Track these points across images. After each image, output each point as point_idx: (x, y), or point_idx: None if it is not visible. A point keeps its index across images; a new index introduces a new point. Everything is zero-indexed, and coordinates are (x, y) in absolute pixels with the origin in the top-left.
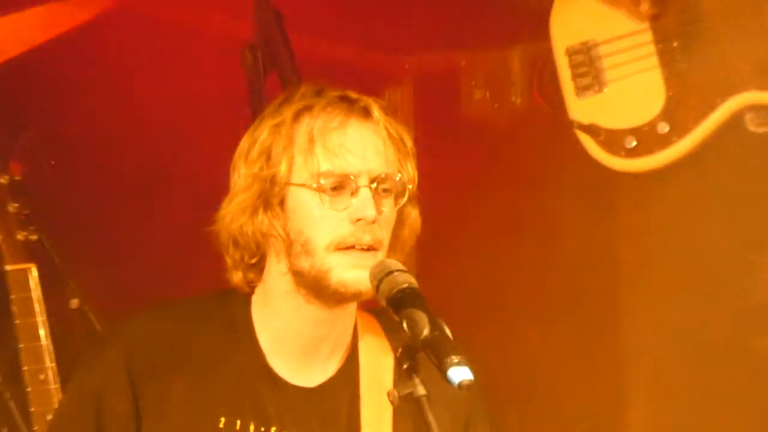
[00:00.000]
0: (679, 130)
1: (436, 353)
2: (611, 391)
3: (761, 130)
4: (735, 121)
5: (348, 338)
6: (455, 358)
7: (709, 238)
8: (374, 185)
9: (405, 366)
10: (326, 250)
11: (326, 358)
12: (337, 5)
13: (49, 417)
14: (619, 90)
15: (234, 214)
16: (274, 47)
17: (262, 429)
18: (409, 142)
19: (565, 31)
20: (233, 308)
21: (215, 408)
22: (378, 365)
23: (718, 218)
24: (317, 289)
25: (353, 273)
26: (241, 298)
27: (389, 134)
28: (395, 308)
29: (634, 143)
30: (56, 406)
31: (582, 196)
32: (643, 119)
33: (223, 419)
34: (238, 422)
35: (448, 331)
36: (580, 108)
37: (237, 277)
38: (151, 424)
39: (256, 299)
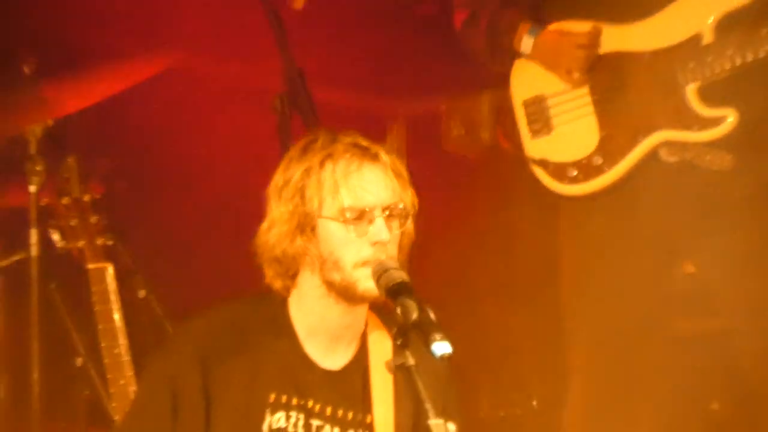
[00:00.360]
0: (609, 161)
1: (423, 332)
2: (555, 362)
3: (672, 159)
4: (652, 153)
5: (362, 328)
6: (437, 336)
7: (632, 245)
8: (386, 213)
9: (398, 342)
10: (353, 268)
11: (347, 345)
12: (348, 65)
13: (122, 382)
14: (563, 132)
15: (277, 240)
16: (298, 97)
17: (302, 402)
18: (406, 175)
19: (521, 87)
20: (274, 308)
21: (266, 386)
22: (381, 350)
23: (638, 229)
24: (346, 294)
25: (372, 283)
26: (279, 300)
27: (393, 172)
28: (391, 297)
29: (575, 173)
30: (128, 374)
31: (534, 212)
32: (582, 154)
33: (272, 395)
34: (284, 397)
35: (432, 315)
36: (533, 147)
37: (278, 284)
38: (217, 402)
39: (291, 300)
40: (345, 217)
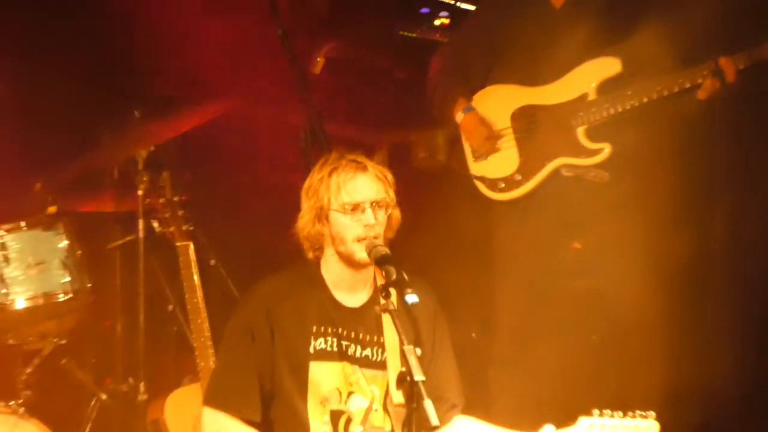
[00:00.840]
0: (526, 178)
1: (399, 288)
2: (489, 308)
3: (568, 175)
4: (555, 171)
5: (370, 281)
6: (408, 291)
7: (539, 231)
8: (373, 205)
9: (383, 294)
10: (352, 242)
11: (362, 291)
12: (350, 109)
13: (199, 321)
14: (495, 158)
15: (304, 225)
16: (316, 131)
17: (335, 330)
18: (390, 177)
19: None
20: (310, 269)
21: (310, 321)
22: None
23: (544, 221)
24: (349, 261)
25: (365, 254)
26: (314, 265)
27: (377, 177)
28: (378, 264)
29: (503, 185)
30: (202, 316)
31: (476, 210)
32: (507, 173)
33: (314, 327)
34: (322, 327)
35: (405, 276)
36: (475, 167)
37: (311, 254)
38: (278, 334)
39: (321, 264)
40: (345, 209)
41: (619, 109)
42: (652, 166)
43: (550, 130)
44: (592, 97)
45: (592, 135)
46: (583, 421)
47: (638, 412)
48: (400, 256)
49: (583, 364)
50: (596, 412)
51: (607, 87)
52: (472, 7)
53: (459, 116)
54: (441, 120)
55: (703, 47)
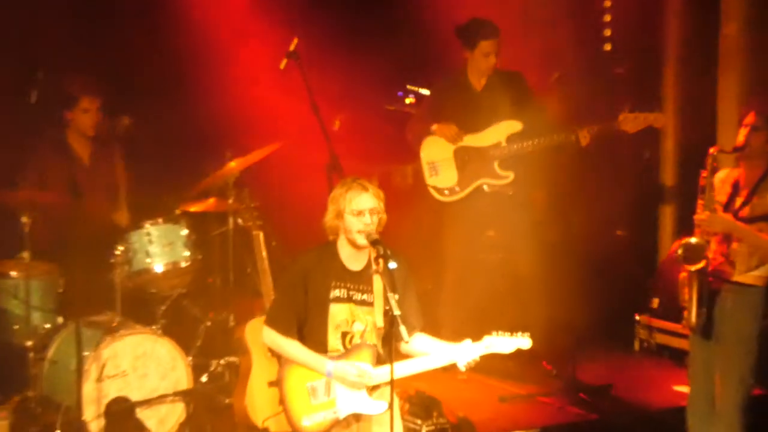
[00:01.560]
0: (462, 189)
1: (384, 259)
2: (438, 270)
3: (488, 190)
4: (480, 187)
5: (367, 255)
6: (390, 260)
7: (468, 223)
8: (370, 212)
9: (375, 262)
10: (356, 233)
11: (361, 261)
12: (353, 150)
13: (267, 281)
14: (443, 176)
15: (328, 220)
16: (335, 164)
17: (344, 284)
18: (381, 195)
19: (426, 155)
20: (330, 248)
21: (330, 279)
22: (376, 264)
23: (472, 217)
24: (353, 243)
25: (364, 240)
26: (332, 245)
27: (374, 195)
28: (372, 245)
29: (447, 193)
30: (268, 280)
31: (432, 210)
32: (450, 185)
33: (333, 282)
34: (337, 283)
35: (389, 252)
36: (430, 180)
37: (331, 238)
38: (311, 288)
39: (338, 244)
40: (353, 213)
41: (520, 152)
42: (536, 185)
43: (477, 162)
44: (503, 144)
45: (503, 166)
46: (486, 338)
47: (519, 333)
48: (385, 240)
49: (494, 305)
50: (495, 333)
51: (512, 138)
52: (427, 92)
53: (426, 140)
54: (416, 152)
55: (574, 120)
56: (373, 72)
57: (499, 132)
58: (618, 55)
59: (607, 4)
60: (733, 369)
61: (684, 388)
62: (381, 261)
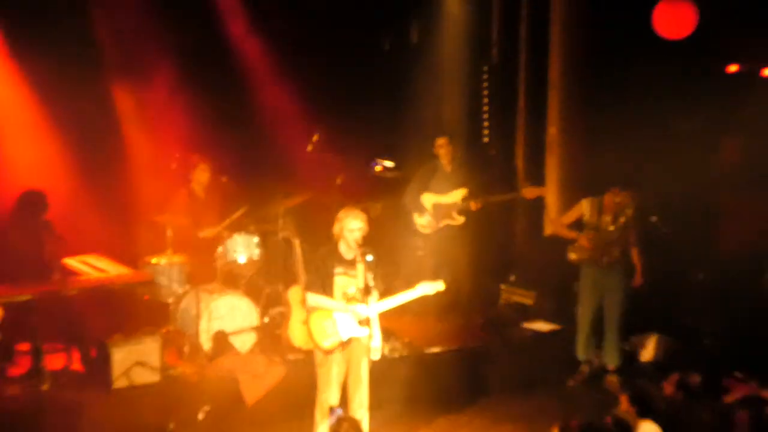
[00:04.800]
0: (432, 228)
1: (365, 253)
2: (398, 263)
3: (451, 225)
4: (446, 224)
5: (356, 250)
6: (368, 255)
7: (431, 244)
8: (360, 229)
9: (360, 254)
10: (351, 240)
11: (354, 253)
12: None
13: (300, 263)
14: (425, 219)
15: (335, 230)
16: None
17: (343, 268)
18: (366, 219)
19: (417, 212)
20: (335, 246)
21: (334, 263)
22: (363, 254)
23: (435, 240)
24: (348, 245)
25: (354, 244)
26: (336, 243)
27: (362, 219)
28: (358, 247)
29: (425, 226)
30: (302, 264)
31: (406, 235)
32: (425, 224)
33: (336, 264)
34: (339, 266)
35: (367, 251)
36: (418, 221)
37: (337, 238)
38: (323, 268)
39: (339, 243)
40: (350, 230)
41: (466, 206)
42: (468, 225)
43: (444, 212)
44: (459, 203)
45: (460, 214)
46: (418, 285)
47: (438, 281)
48: (368, 243)
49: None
50: (423, 281)
51: (464, 199)
52: (391, 164)
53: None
54: (408, 210)
55: (448, 189)
56: (362, 138)
57: (457, 196)
58: (492, 143)
59: (486, 102)
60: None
61: (530, 325)
62: (364, 254)
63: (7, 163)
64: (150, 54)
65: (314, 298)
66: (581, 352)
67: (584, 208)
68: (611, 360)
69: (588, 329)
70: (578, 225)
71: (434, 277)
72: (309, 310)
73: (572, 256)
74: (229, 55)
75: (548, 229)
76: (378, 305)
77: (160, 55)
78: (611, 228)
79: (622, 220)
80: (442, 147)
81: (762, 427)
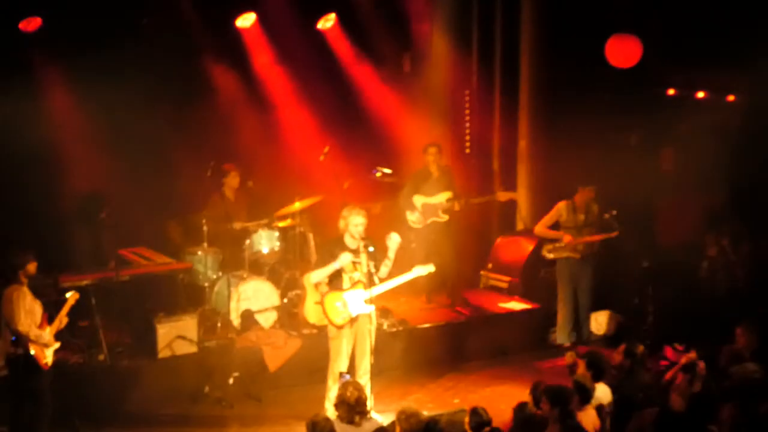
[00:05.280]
0: (421, 223)
1: (367, 244)
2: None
3: (438, 221)
4: (433, 221)
5: (360, 241)
6: (369, 245)
7: (421, 238)
8: (362, 224)
9: (363, 245)
10: (355, 234)
11: (355, 243)
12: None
13: (313, 251)
14: (414, 216)
15: (340, 226)
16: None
17: (350, 255)
18: (366, 215)
19: (408, 210)
20: (341, 238)
21: (341, 252)
22: (365, 245)
23: (427, 233)
24: (351, 237)
25: (357, 237)
26: (342, 236)
27: (364, 215)
28: (360, 240)
29: (416, 222)
30: (314, 252)
31: (403, 230)
32: (416, 221)
33: (343, 252)
34: (344, 252)
35: (368, 242)
36: (409, 217)
37: (342, 232)
38: (330, 255)
39: (345, 236)
40: (354, 226)
41: (450, 206)
42: (451, 222)
43: (431, 210)
44: (443, 203)
45: (445, 212)
46: (414, 268)
47: (429, 265)
48: (369, 236)
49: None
50: (417, 265)
51: (448, 200)
52: (389, 170)
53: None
54: (403, 210)
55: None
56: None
57: (443, 197)
58: (472, 154)
59: (467, 119)
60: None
61: (504, 304)
62: (366, 245)
63: (72, 169)
64: (194, 83)
65: (318, 272)
66: (565, 338)
67: (561, 209)
68: (579, 336)
69: (570, 316)
70: (555, 226)
71: (425, 263)
72: (323, 293)
73: (549, 255)
74: (255, 80)
75: (536, 230)
76: (380, 286)
77: (202, 84)
78: (584, 223)
79: (592, 214)
80: (432, 155)
81: (693, 386)
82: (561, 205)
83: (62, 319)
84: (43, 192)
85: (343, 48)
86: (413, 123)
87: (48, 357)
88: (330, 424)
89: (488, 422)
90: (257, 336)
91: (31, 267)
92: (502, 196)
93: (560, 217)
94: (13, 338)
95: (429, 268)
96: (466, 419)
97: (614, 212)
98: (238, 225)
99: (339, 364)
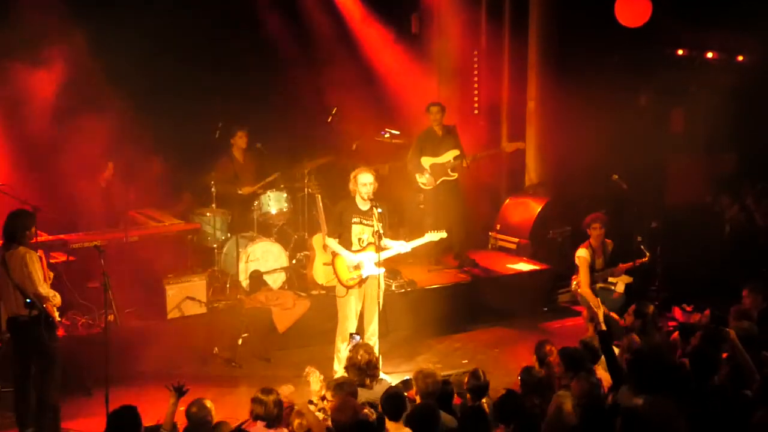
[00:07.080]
0: (431, 184)
1: (375, 206)
2: (402, 215)
3: (447, 180)
4: (443, 180)
5: (369, 202)
6: (378, 207)
7: (429, 200)
8: (371, 184)
9: (373, 206)
10: (364, 194)
11: (366, 205)
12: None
13: (322, 215)
14: (424, 178)
15: (351, 187)
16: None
17: (359, 216)
18: (375, 174)
19: (418, 173)
20: (352, 199)
21: (351, 213)
22: (375, 207)
23: (435, 193)
24: (362, 198)
25: (366, 197)
26: (353, 196)
27: (373, 174)
28: (370, 200)
29: (426, 183)
30: (323, 216)
31: (409, 191)
32: (425, 182)
33: (353, 215)
34: (356, 216)
35: (377, 203)
36: (419, 179)
37: (353, 194)
38: (343, 217)
39: (356, 197)
40: (363, 185)
41: (458, 165)
42: (461, 181)
43: (440, 170)
44: (451, 161)
45: (453, 171)
46: (426, 234)
47: (441, 231)
48: (378, 198)
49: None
50: (430, 231)
51: (456, 158)
52: (397, 132)
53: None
54: (411, 173)
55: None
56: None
57: (450, 156)
58: (481, 114)
59: (476, 80)
60: None
61: (512, 265)
62: (375, 207)
63: (81, 137)
64: (201, 44)
65: (333, 244)
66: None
67: (587, 258)
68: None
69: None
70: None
71: (433, 226)
72: (333, 256)
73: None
74: (263, 42)
75: (583, 292)
76: (391, 250)
77: (209, 45)
78: (605, 264)
79: (607, 253)
80: (434, 113)
81: (691, 342)
82: (583, 256)
83: (50, 275)
84: (54, 149)
85: (351, 9)
86: (421, 84)
87: (57, 314)
88: (353, 384)
89: (485, 385)
90: (266, 297)
91: (34, 228)
92: (509, 147)
93: (590, 266)
94: (28, 300)
95: (441, 234)
96: (465, 380)
97: (615, 176)
98: (245, 190)
99: (348, 324)
